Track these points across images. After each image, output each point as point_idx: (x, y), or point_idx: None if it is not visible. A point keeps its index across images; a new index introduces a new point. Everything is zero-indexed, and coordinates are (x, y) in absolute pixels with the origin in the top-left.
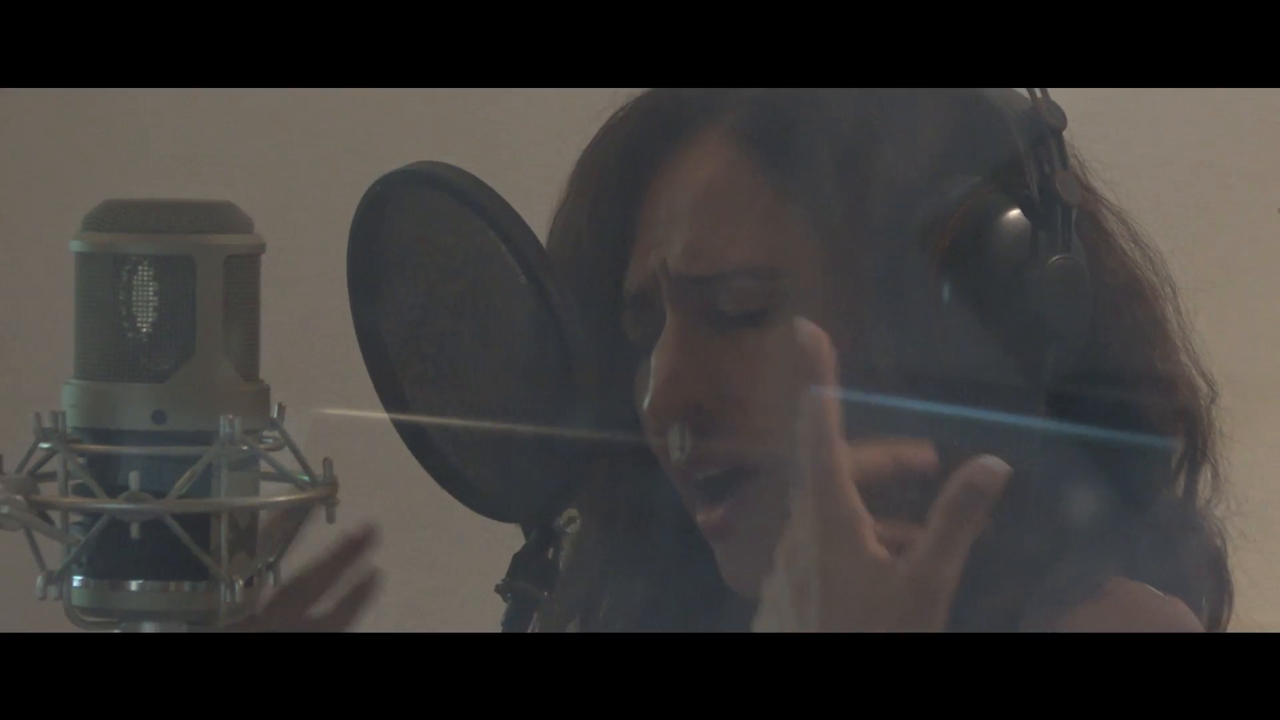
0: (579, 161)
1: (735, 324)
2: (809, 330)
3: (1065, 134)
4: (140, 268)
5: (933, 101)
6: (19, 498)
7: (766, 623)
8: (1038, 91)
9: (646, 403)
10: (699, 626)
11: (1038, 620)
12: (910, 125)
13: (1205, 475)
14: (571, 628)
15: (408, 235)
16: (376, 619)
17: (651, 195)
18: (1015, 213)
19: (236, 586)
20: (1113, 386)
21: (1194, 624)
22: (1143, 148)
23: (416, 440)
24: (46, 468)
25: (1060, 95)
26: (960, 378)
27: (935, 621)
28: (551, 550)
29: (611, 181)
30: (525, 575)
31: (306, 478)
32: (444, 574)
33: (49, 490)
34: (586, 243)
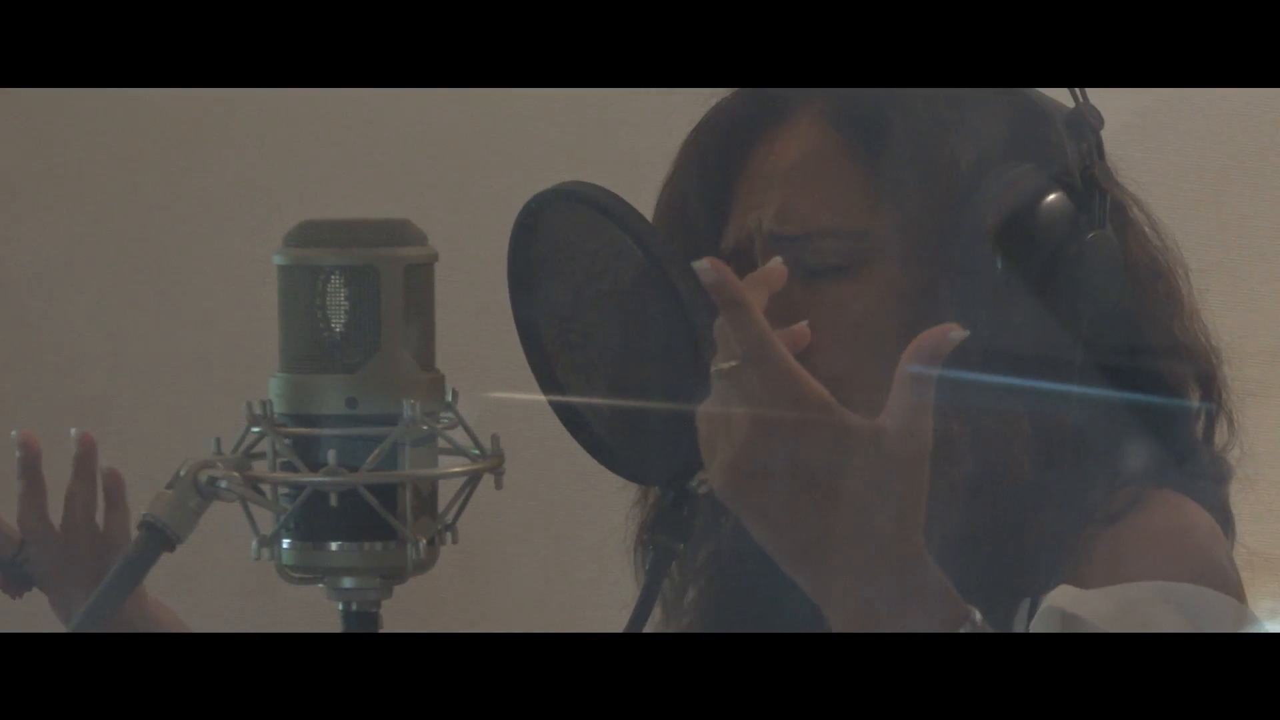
0: (687, 139)
1: (819, 278)
2: (706, 265)
3: (1106, 137)
4: (333, 277)
5: (994, 99)
6: (235, 474)
7: (780, 525)
8: (1080, 95)
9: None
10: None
11: (1087, 540)
12: (974, 118)
13: (1223, 423)
14: (699, 569)
15: (558, 243)
16: (538, 570)
17: (749, 167)
18: (1060, 195)
19: (420, 545)
20: (1142, 350)
21: (1223, 538)
22: (1169, 153)
23: (569, 417)
24: (258, 448)
25: (1105, 103)
26: (1011, 338)
27: (924, 472)
28: (686, 509)
29: (715, 155)
30: (664, 530)
31: (478, 451)
32: (592, 529)
33: (260, 467)
34: (692, 207)
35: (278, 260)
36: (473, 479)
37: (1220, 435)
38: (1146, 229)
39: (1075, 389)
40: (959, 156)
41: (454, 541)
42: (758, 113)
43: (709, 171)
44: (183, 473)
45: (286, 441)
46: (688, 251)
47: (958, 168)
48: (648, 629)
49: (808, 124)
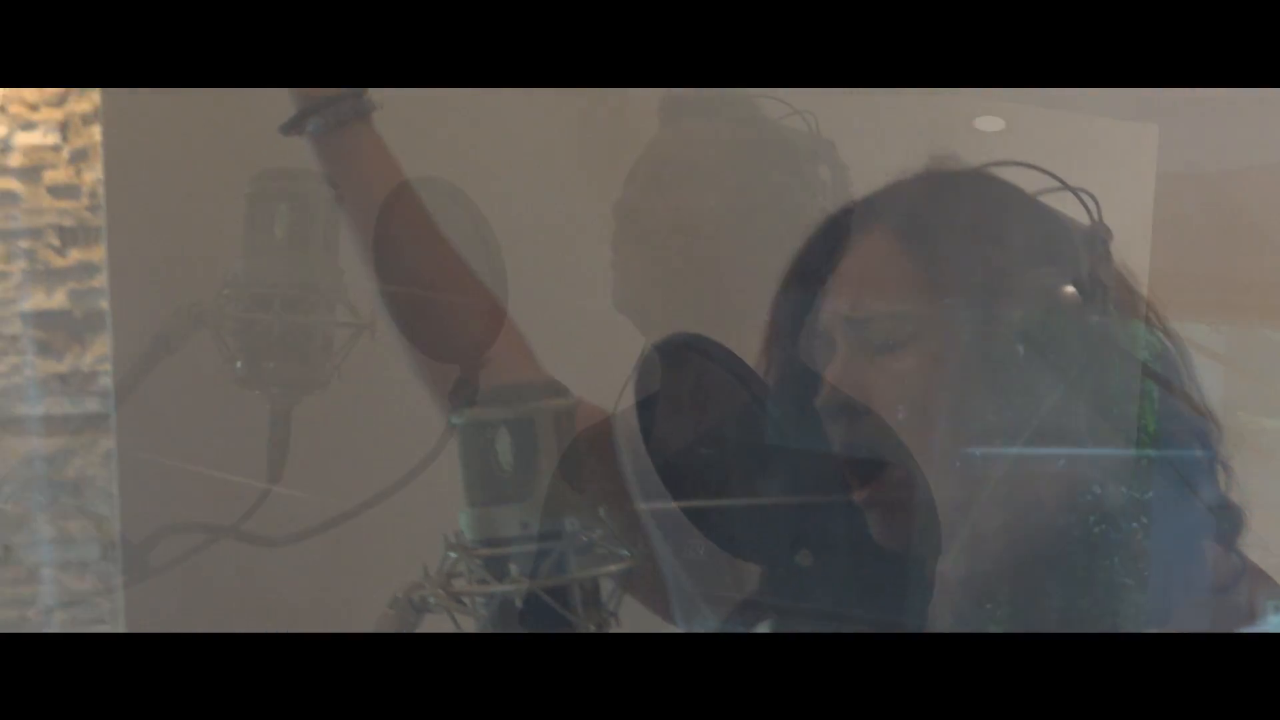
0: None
1: (880, 353)
2: None
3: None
4: (501, 429)
5: (1027, 213)
6: (440, 591)
7: None
8: (1094, 213)
9: (818, 401)
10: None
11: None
12: (1008, 227)
13: (1222, 474)
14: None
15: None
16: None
17: (836, 269)
18: (1072, 291)
19: (591, 629)
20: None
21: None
22: None
23: (693, 515)
24: (455, 568)
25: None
26: (1033, 411)
27: None
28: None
29: (812, 263)
30: (778, 596)
31: (626, 552)
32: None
33: (459, 584)
34: (795, 303)
35: (454, 421)
36: (625, 574)
37: (1226, 484)
38: (1152, 317)
39: (1099, 451)
40: (992, 258)
41: (617, 625)
42: (843, 226)
43: (807, 276)
44: (399, 595)
45: (477, 561)
46: (790, 331)
47: (990, 267)
48: None
49: (877, 236)
